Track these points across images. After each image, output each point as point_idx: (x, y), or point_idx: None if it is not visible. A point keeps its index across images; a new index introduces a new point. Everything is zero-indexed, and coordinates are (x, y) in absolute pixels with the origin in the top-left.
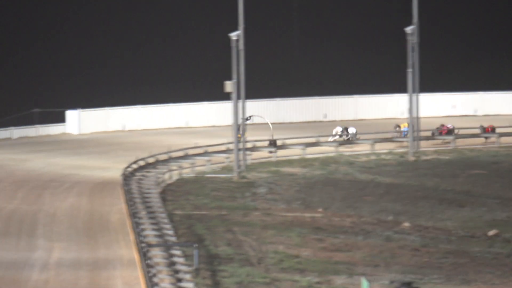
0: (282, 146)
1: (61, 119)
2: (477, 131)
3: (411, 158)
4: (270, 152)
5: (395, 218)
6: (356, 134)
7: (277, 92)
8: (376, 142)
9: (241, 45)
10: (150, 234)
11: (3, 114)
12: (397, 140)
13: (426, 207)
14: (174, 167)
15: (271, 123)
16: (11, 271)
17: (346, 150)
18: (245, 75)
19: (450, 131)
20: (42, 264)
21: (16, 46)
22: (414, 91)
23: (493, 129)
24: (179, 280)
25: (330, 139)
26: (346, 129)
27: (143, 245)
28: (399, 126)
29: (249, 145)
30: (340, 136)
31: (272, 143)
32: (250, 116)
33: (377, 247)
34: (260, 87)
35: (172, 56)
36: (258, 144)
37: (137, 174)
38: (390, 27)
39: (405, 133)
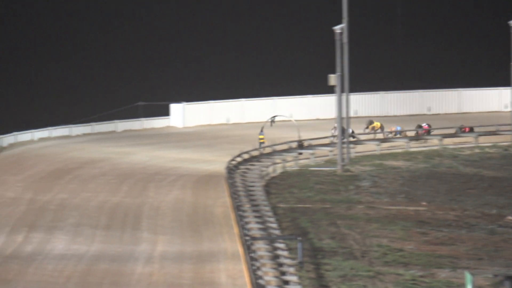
0: (386, 139)
1: (165, 112)
2: None
3: None
4: (299, 153)
5: (499, 212)
6: (352, 134)
7: (381, 85)
8: (479, 135)
9: (345, 38)
10: (254, 227)
11: (108, 107)
12: (502, 133)
13: None
14: (278, 160)
15: (375, 116)
16: (115, 264)
17: (449, 143)
18: (349, 68)
19: None
20: (146, 257)
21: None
22: None
23: None
24: (283, 273)
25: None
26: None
27: (247, 238)
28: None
29: (353, 138)
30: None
31: (300, 145)
32: (274, 117)
33: (480, 240)
34: (363, 80)
35: (276, 50)
36: (362, 137)
37: (241, 167)
38: (494, 21)
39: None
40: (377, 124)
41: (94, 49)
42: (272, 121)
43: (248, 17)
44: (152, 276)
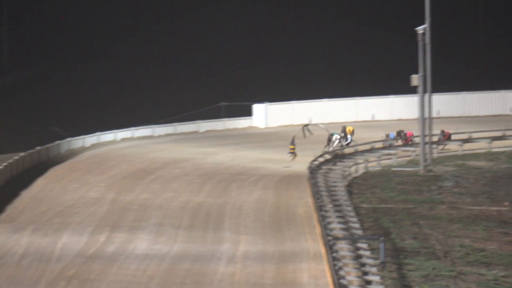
0: (468, 140)
1: (248, 112)
2: None
3: None
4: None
5: None
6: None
7: (463, 86)
8: None
9: (428, 39)
10: (336, 227)
11: (190, 108)
12: None
13: None
14: (361, 161)
15: (457, 117)
16: (198, 264)
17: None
18: (431, 68)
19: None
20: (229, 257)
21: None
22: None
23: None
24: (365, 273)
25: (330, 148)
26: (345, 135)
27: (329, 238)
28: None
29: (434, 138)
30: (339, 141)
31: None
32: (307, 125)
33: None
34: (446, 80)
35: (359, 50)
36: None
37: (323, 167)
38: None
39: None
40: (349, 128)
41: (176, 50)
42: (307, 129)
43: (331, 17)
44: (235, 276)
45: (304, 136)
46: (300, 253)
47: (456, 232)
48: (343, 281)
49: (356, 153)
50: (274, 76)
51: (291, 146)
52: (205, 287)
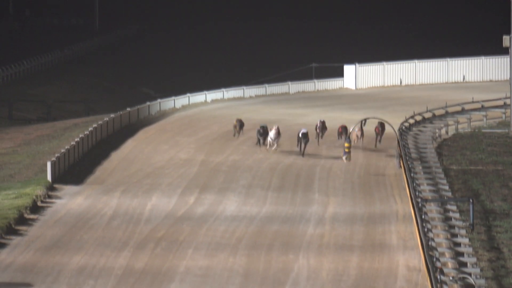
0: None
1: (338, 73)
2: None
3: None
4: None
5: None
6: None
7: None
8: None
9: None
10: (425, 189)
11: (282, 69)
12: None
13: None
14: (451, 122)
15: None
16: (287, 225)
17: None
18: None
19: None
20: (318, 219)
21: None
22: None
23: None
24: (454, 235)
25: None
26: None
27: (418, 200)
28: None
29: None
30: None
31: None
32: (365, 119)
33: None
34: None
35: (450, 10)
36: None
37: (414, 129)
38: None
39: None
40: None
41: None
42: (364, 124)
43: None
44: (323, 237)
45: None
46: (389, 215)
47: None
48: (432, 243)
49: (446, 114)
50: (365, 38)
51: (346, 145)
52: (294, 249)
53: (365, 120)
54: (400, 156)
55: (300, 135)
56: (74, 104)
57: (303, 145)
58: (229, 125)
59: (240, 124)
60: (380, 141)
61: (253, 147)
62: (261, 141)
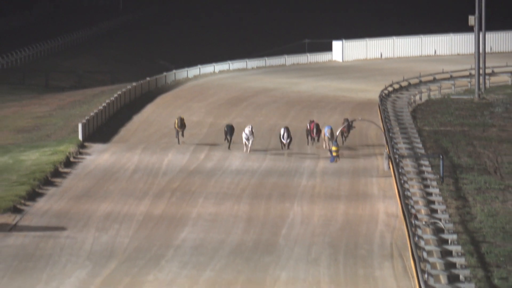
0: None
1: (327, 48)
2: None
3: None
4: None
5: None
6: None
7: None
8: None
9: None
10: (402, 147)
11: (279, 44)
12: None
13: None
14: (424, 90)
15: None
16: (283, 178)
17: None
18: (486, 9)
19: None
20: (310, 172)
21: None
22: None
23: None
24: (427, 186)
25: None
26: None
27: (396, 156)
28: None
29: (488, 70)
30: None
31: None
32: (352, 121)
33: None
34: (498, 20)
35: None
36: (496, 70)
37: (392, 95)
38: None
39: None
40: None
41: None
42: (351, 125)
43: None
44: (315, 188)
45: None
46: (371, 169)
47: (505, 151)
48: (408, 193)
49: (420, 83)
50: (350, 17)
51: (334, 148)
52: (289, 198)
53: (352, 121)
54: (389, 157)
55: (281, 132)
56: (101, 74)
57: (286, 141)
58: (234, 92)
59: (181, 123)
60: (345, 139)
61: (255, 111)
62: (229, 139)
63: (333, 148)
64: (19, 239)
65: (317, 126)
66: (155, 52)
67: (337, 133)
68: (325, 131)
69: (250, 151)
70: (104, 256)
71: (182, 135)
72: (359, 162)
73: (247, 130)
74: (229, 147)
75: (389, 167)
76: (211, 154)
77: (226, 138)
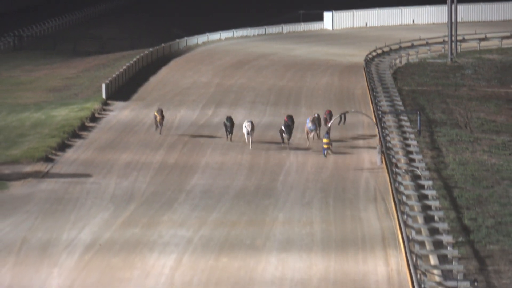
0: (484, 39)
1: (319, 18)
2: None
3: None
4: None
5: None
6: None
7: None
8: None
9: None
10: (384, 104)
11: (277, 14)
12: None
13: None
14: (403, 55)
15: (476, 21)
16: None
17: None
18: None
19: None
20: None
21: None
22: None
23: None
24: (406, 138)
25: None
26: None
27: (379, 112)
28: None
29: (459, 38)
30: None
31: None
32: (345, 113)
33: None
34: None
35: None
36: (466, 37)
37: (376, 59)
38: None
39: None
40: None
41: None
42: (344, 118)
43: None
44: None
45: (341, 121)
46: (357, 123)
47: (474, 107)
48: (389, 144)
49: (400, 49)
50: None
51: (325, 140)
52: (286, 149)
53: (345, 113)
54: (382, 152)
55: (282, 128)
56: (122, 41)
57: (287, 136)
58: (238, 56)
59: (161, 115)
60: (328, 131)
61: (256, 73)
62: (229, 131)
63: (324, 141)
64: (50, 185)
65: (330, 114)
66: (170, 22)
67: (329, 124)
68: (307, 123)
69: (252, 143)
70: (124, 200)
71: (161, 124)
72: (346, 118)
73: (247, 125)
74: (230, 139)
75: (382, 162)
76: (218, 111)
77: (226, 132)
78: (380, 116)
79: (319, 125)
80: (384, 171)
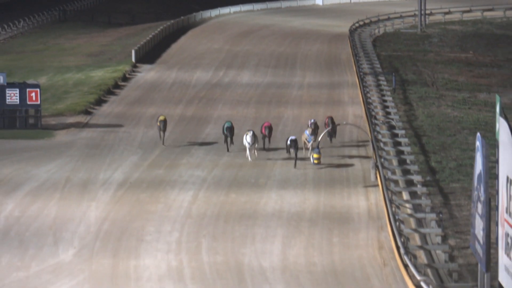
0: (448, 12)
1: None
2: None
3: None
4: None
5: None
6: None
7: None
8: (506, 9)
9: None
10: (365, 66)
11: None
12: None
13: None
14: (381, 26)
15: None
16: (280, 89)
17: (487, 15)
18: None
19: None
20: (299, 85)
21: None
22: None
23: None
24: (383, 95)
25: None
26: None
27: (361, 73)
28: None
29: (427, 11)
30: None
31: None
32: (337, 125)
33: (506, 75)
34: None
35: None
36: (434, 11)
37: (358, 30)
38: None
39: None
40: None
41: None
42: (334, 132)
43: None
44: (302, 97)
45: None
46: (343, 83)
47: (439, 69)
48: (369, 100)
49: (378, 21)
50: None
51: (315, 155)
52: (284, 104)
53: (336, 125)
54: (376, 167)
55: (288, 142)
56: (149, 14)
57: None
58: (244, 27)
59: (164, 124)
60: (334, 136)
61: (259, 41)
62: (229, 140)
63: (315, 156)
64: (89, 133)
65: (332, 119)
66: None
67: (319, 138)
68: (305, 133)
69: (254, 156)
70: (150, 146)
71: (164, 133)
72: (334, 78)
73: (249, 139)
74: (228, 150)
75: (376, 178)
76: (228, 72)
77: (225, 140)
78: (362, 76)
79: (317, 131)
80: (365, 121)
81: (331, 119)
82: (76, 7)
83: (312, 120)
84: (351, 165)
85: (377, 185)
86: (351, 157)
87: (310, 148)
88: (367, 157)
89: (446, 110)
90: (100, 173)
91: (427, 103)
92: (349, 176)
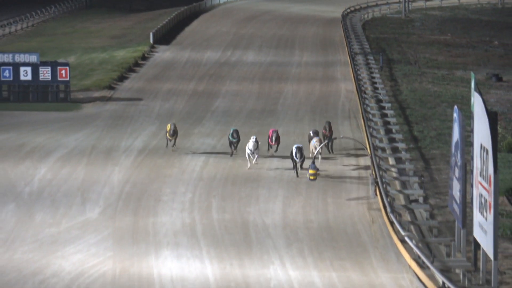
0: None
1: None
2: None
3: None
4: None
5: (490, 39)
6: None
7: None
8: None
9: None
10: (356, 47)
11: None
12: None
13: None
14: (370, 11)
15: None
16: (281, 67)
17: (464, 1)
18: None
19: None
20: (297, 63)
21: None
22: None
23: None
24: (372, 72)
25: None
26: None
27: (352, 53)
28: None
29: None
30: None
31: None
32: (334, 138)
33: (479, 54)
34: None
35: None
36: None
37: (350, 15)
38: None
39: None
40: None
41: None
42: (331, 146)
43: None
44: (301, 73)
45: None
46: (336, 62)
47: (421, 50)
48: (359, 77)
49: (367, 7)
50: None
51: (311, 171)
52: (284, 80)
53: (331, 140)
54: (376, 183)
55: (294, 150)
56: (164, 1)
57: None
58: (249, 13)
59: (174, 130)
60: (330, 146)
61: (262, 24)
62: (234, 147)
63: (310, 172)
64: (113, 106)
65: (329, 124)
66: None
67: (315, 152)
68: (313, 142)
69: (255, 163)
70: (166, 117)
71: (174, 143)
72: (328, 57)
73: (251, 146)
74: (231, 154)
75: (375, 195)
76: (234, 52)
77: (231, 146)
78: (353, 56)
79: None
80: (356, 95)
81: (329, 124)
82: None
83: (314, 130)
84: (343, 132)
85: (377, 183)
86: (343, 124)
87: (319, 158)
88: (357, 126)
89: (427, 85)
90: (122, 141)
91: (411, 79)
92: (342, 143)
